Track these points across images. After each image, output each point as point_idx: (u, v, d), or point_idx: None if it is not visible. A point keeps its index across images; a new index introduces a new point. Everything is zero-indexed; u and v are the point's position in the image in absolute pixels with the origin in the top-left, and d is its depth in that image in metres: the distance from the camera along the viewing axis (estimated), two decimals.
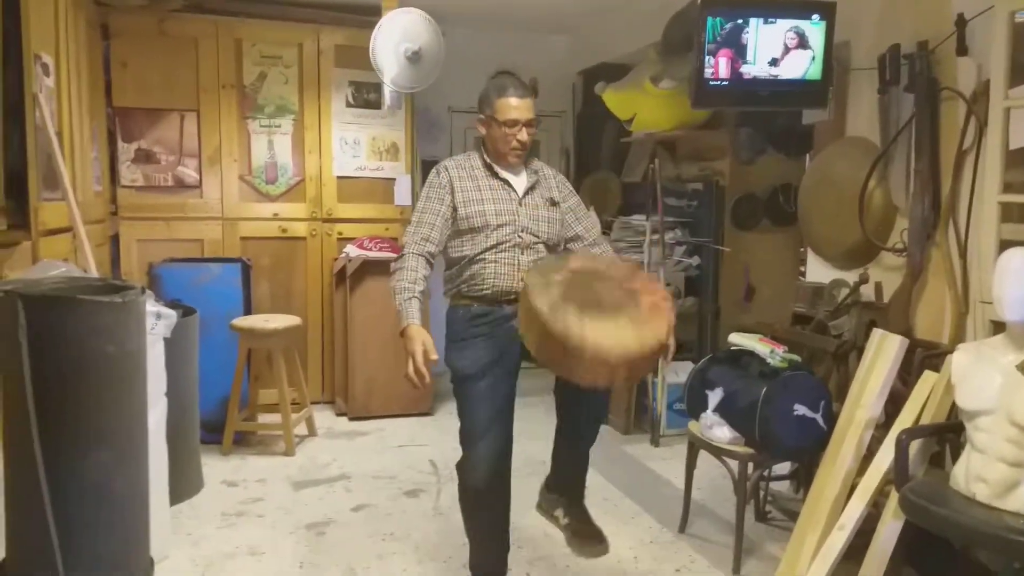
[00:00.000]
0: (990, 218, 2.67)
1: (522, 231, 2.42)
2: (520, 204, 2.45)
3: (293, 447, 4.08)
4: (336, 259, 4.86)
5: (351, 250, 4.83)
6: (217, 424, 4.09)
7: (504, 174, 2.46)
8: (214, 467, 3.81)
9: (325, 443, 4.28)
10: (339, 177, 4.90)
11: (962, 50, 2.85)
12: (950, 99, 2.93)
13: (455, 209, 2.40)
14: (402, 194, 5.06)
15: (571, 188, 2.65)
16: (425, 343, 2.19)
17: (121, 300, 1.48)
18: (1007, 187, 2.64)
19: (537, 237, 2.45)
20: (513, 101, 2.37)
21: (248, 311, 4.47)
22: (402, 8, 4.35)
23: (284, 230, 4.82)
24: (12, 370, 1.32)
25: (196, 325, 3.58)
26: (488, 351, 2.41)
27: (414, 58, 4.28)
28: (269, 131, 4.73)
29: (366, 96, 4.89)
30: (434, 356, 2.19)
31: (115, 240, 4.47)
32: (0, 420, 1.43)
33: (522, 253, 2.42)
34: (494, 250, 2.40)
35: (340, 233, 4.93)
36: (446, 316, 2.53)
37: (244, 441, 4.22)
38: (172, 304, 3.47)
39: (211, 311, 4.00)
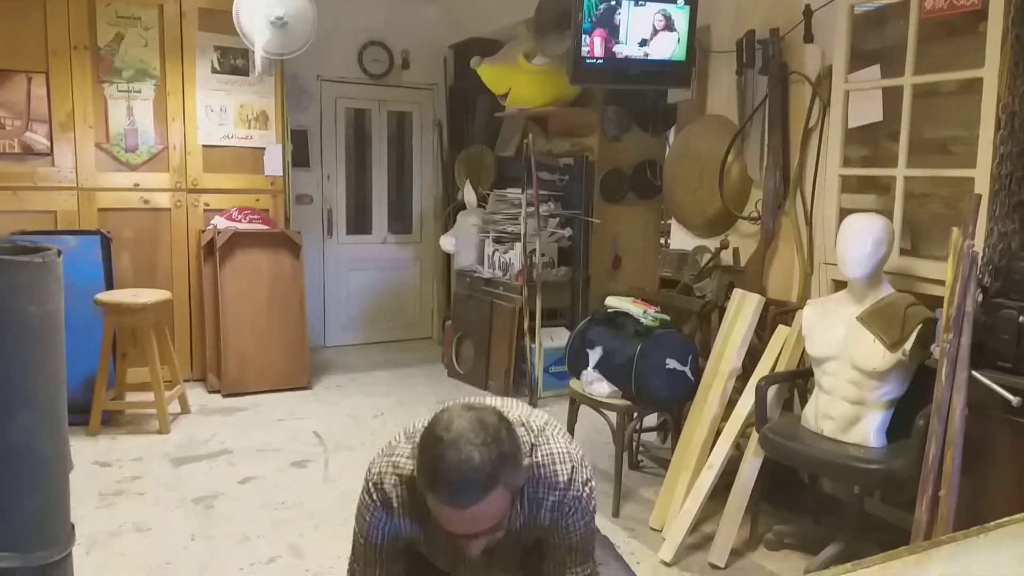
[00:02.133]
0: (832, 189, 3.00)
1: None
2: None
3: (168, 425, 3.95)
4: (203, 231, 4.70)
5: (219, 222, 4.69)
6: (82, 405, 3.87)
7: None
8: (82, 448, 3.63)
9: (201, 419, 4.16)
10: (205, 146, 4.73)
11: (809, 38, 3.17)
12: (798, 82, 3.25)
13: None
14: (272, 164, 4.94)
15: (580, 520, 1.57)
16: None
17: (41, 260, 1.44)
18: (847, 161, 2.98)
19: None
20: (454, 515, 1.37)
21: (110, 286, 4.25)
22: None
23: (146, 201, 4.60)
24: None
25: (59, 265, 3.37)
26: None
27: (281, 24, 4.19)
28: (128, 96, 4.48)
29: (233, 62, 4.72)
30: None
31: None
32: None
33: None
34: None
35: (207, 204, 4.76)
36: None
37: (112, 421, 4.04)
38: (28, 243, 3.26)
39: (69, 287, 3.75)
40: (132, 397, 4.16)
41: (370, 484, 1.54)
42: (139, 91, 4.51)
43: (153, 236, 4.64)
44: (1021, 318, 2.18)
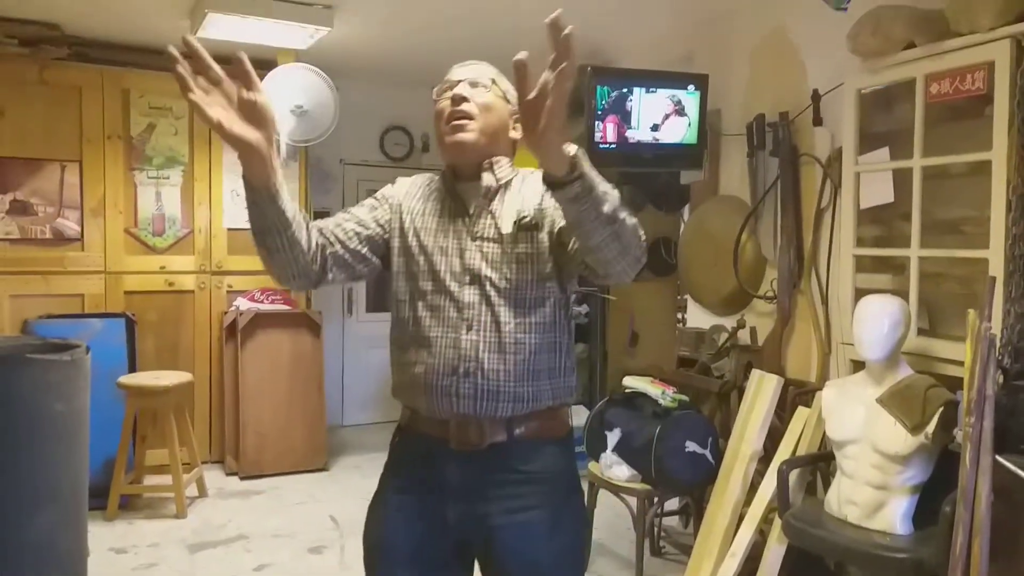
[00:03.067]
0: (846, 269, 3.01)
1: (471, 281, 1.49)
2: (469, 233, 1.52)
3: (185, 509, 3.93)
4: (226, 312, 4.77)
5: (242, 303, 4.76)
6: (100, 488, 3.87)
7: (461, 188, 1.57)
8: (99, 534, 3.61)
9: (218, 503, 4.14)
10: (230, 229, 4.84)
11: (818, 121, 3.23)
12: (809, 163, 3.30)
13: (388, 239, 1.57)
14: None
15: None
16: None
17: (70, 358, 1.48)
18: (860, 241, 3.00)
19: (499, 291, 1.48)
20: (456, 71, 1.57)
21: (133, 368, 4.31)
22: (294, 63, 4.41)
23: (171, 283, 4.70)
24: None
25: (87, 362, 3.43)
26: (408, 523, 1.52)
27: (302, 113, 4.35)
28: (157, 183, 4.63)
29: None
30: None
31: None
32: None
33: (465, 326, 1.47)
34: (425, 321, 1.51)
35: (230, 286, 4.85)
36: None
37: (130, 505, 4.03)
38: (58, 341, 3.32)
39: (93, 369, 3.81)
40: (150, 479, 4.16)
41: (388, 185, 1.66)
42: (168, 177, 4.66)
43: (177, 318, 4.72)
44: None
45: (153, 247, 4.64)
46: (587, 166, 1.25)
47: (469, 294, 1.47)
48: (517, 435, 1.48)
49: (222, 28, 3.78)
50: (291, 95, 4.31)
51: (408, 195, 1.59)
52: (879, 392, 2.51)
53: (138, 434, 4.10)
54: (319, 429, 4.78)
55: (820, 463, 2.90)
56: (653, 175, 4.75)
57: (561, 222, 1.44)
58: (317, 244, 1.45)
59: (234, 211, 4.84)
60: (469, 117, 1.51)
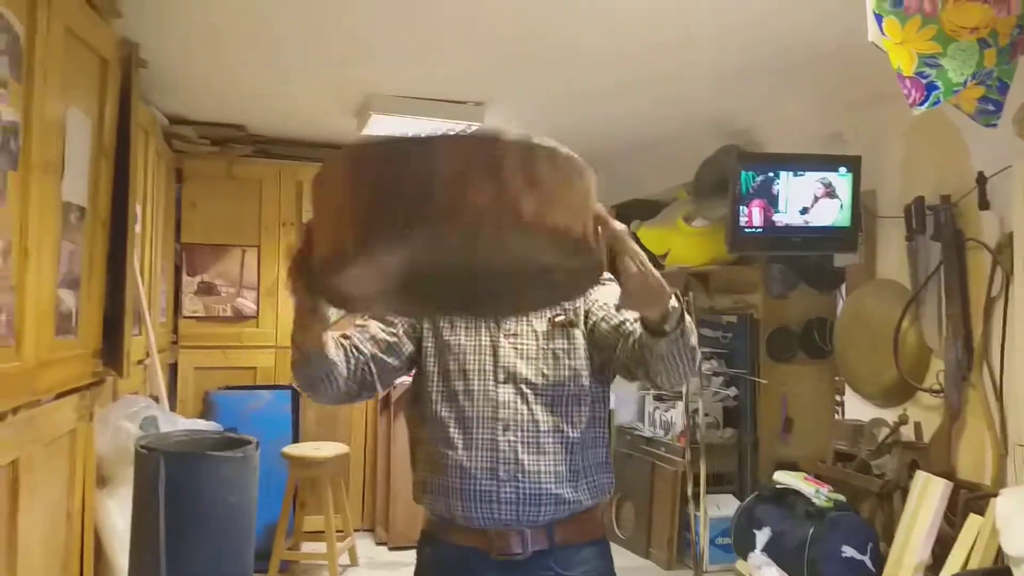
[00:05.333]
0: (1021, 365, 2.77)
1: (505, 380, 1.45)
2: (502, 330, 1.48)
3: None
4: None
5: None
6: (262, 553, 4.12)
7: None
8: None
9: (367, 573, 4.30)
10: None
11: (984, 204, 3.04)
12: (975, 249, 3.10)
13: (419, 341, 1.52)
14: None
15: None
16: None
17: (242, 455, 1.64)
18: None
19: (535, 388, 1.45)
20: None
21: (296, 437, 4.61)
22: None
23: None
24: (148, 520, 1.46)
25: (256, 457, 3.72)
26: None
27: None
28: None
29: None
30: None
31: (172, 368, 4.68)
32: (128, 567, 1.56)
33: (502, 426, 1.43)
34: (459, 423, 1.46)
35: None
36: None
37: (288, 570, 4.26)
38: (229, 431, 3.63)
39: (260, 437, 4.11)
40: (307, 545, 4.39)
41: None
42: None
43: None
44: None
45: None
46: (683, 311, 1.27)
47: (504, 393, 1.44)
48: (558, 541, 1.44)
49: (386, 126, 4.10)
50: None
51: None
52: None
53: (298, 502, 4.36)
54: None
55: None
56: (803, 257, 4.62)
57: (599, 319, 1.46)
58: (358, 367, 1.46)
59: None
60: None
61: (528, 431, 1.43)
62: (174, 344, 4.68)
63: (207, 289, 4.80)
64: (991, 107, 2.14)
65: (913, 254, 3.39)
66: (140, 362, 3.37)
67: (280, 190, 4.91)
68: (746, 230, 3.47)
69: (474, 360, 1.46)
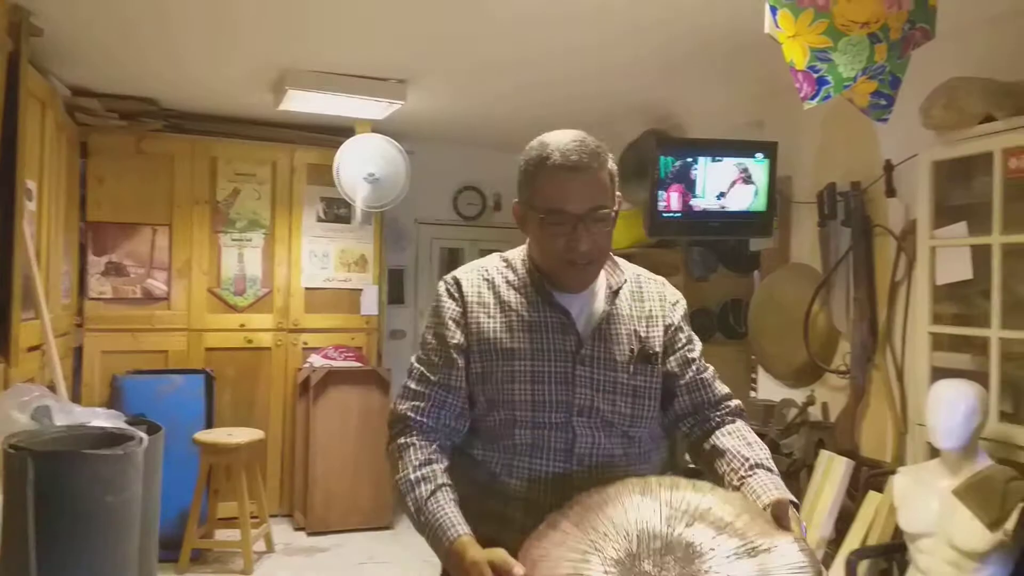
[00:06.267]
0: (922, 347, 2.87)
1: (579, 412, 1.35)
2: (577, 356, 1.37)
3: (252, 565, 4.02)
4: (300, 369, 4.91)
5: (316, 360, 4.89)
6: (172, 541, 4.01)
7: (562, 300, 1.39)
8: None
9: (284, 560, 4.21)
10: (307, 288, 5.02)
11: (890, 192, 3.14)
12: (882, 235, 3.19)
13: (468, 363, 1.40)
14: (368, 303, 5.18)
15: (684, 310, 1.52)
16: (497, 561, 1.17)
17: (122, 452, 1.56)
18: (937, 318, 2.86)
19: (611, 425, 1.36)
20: (565, 180, 1.31)
21: (210, 423, 4.47)
22: (367, 134, 4.58)
23: (249, 340, 4.88)
24: (16, 524, 1.36)
25: (161, 444, 3.57)
26: None
27: (374, 180, 4.50)
28: (240, 245, 4.86)
29: (337, 211, 5.06)
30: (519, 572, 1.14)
31: (78, 352, 4.47)
32: None
33: (576, 460, 1.35)
34: (524, 452, 1.36)
35: (305, 343, 5.00)
36: None
37: (201, 558, 4.14)
38: (136, 420, 3.48)
39: (173, 423, 3.97)
40: (221, 533, 4.27)
41: (443, 287, 1.45)
42: (250, 239, 4.88)
43: (254, 374, 4.88)
44: None
45: (234, 306, 4.84)
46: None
47: (579, 426, 1.33)
48: None
49: (302, 102, 3.97)
50: (364, 164, 4.47)
51: (476, 305, 1.39)
52: (955, 483, 2.37)
53: (211, 488, 4.23)
54: (385, 487, 4.82)
55: (894, 553, 2.74)
56: (721, 240, 4.70)
57: (678, 361, 1.46)
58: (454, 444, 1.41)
59: (311, 271, 5.02)
60: (593, 259, 1.36)
61: (602, 469, 1.35)
62: (79, 327, 4.46)
63: (115, 269, 4.59)
64: (883, 102, 2.19)
65: (824, 239, 3.48)
66: (37, 347, 3.19)
67: (193, 166, 4.72)
68: (664, 214, 3.49)
69: (545, 390, 1.35)
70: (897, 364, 3.12)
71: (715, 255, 4.82)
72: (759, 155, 3.54)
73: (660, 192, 3.45)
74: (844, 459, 2.93)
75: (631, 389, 1.38)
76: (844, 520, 2.92)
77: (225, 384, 4.77)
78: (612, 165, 1.38)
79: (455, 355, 1.39)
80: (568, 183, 1.32)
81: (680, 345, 1.47)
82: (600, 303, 1.42)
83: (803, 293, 3.48)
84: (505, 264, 1.46)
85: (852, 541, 2.76)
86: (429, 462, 1.31)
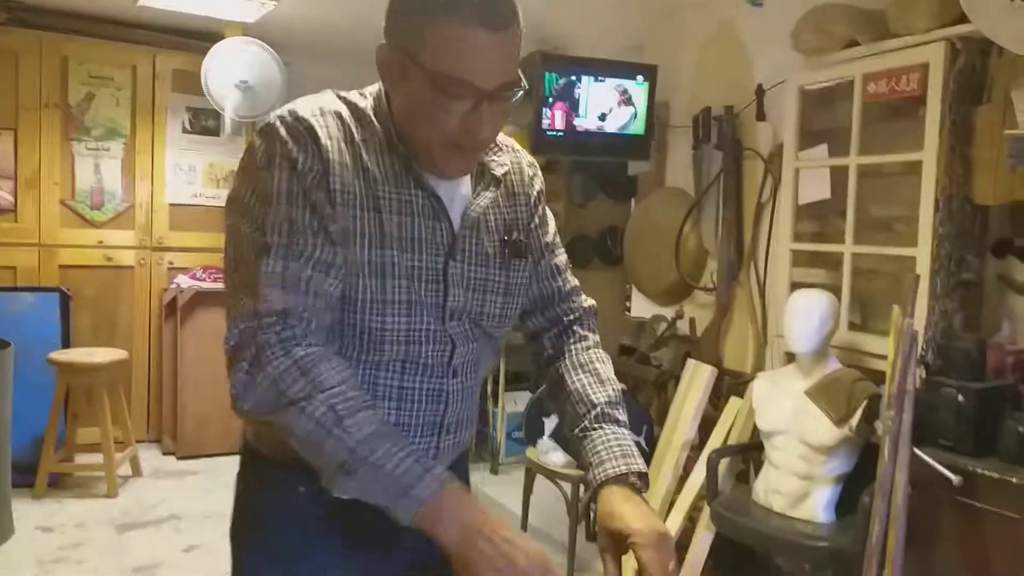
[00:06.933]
0: (783, 263, 3.06)
1: (452, 316, 1.11)
2: (451, 250, 1.11)
3: (116, 488, 3.85)
4: (166, 290, 4.67)
5: (183, 280, 4.66)
6: (29, 465, 3.78)
7: (437, 185, 1.11)
8: (26, 512, 3.52)
9: (151, 483, 4.07)
10: (172, 204, 4.73)
11: (761, 116, 3.27)
12: (751, 158, 3.34)
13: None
14: None
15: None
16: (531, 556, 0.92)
17: None
18: (797, 236, 3.04)
19: (480, 328, 1.16)
20: (483, 40, 0.98)
21: (67, 344, 4.19)
22: (240, 38, 4.32)
23: (109, 259, 4.57)
24: None
25: (10, 360, 3.33)
26: None
27: (246, 88, 4.26)
28: (96, 155, 4.50)
29: (204, 122, 4.77)
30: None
31: None
32: None
33: (452, 371, 1.13)
34: (395, 368, 1.10)
35: (171, 263, 4.74)
36: (243, 487, 1.22)
37: (60, 484, 3.93)
38: None
39: (24, 344, 3.71)
40: (82, 458, 4.06)
41: (284, 130, 1.03)
42: (108, 149, 4.53)
43: (115, 294, 4.60)
44: (960, 397, 2.21)
45: (91, 221, 4.51)
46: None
47: (456, 334, 1.11)
48: None
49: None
50: (236, 70, 4.22)
51: (338, 166, 1.03)
52: (808, 385, 2.56)
53: (70, 412, 4.00)
54: None
55: (751, 453, 2.95)
56: (602, 164, 4.79)
57: (547, 257, 1.25)
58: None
59: (177, 186, 4.73)
60: (484, 145, 1.11)
61: (471, 376, 1.18)
62: None
63: None
64: None
65: (698, 162, 3.61)
66: None
67: (41, 65, 4.30)
68: (548, 133, 3.50)
69: (418, 287, 1.07)
70: (760, 281, 3.31)
71: (595, 182, 4.92)
72: (639, 77, 3.60)
73: (544, 110, 3.45)
74: (708, 366, 3.11)
75: (503, 287, 1.16)
76: (707, 428, 3.12)
77: (83, 304, 4.47)
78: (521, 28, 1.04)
79: (326, 228, 1.01)
80: (482, 48, 0.98)
81: (534, 226, 1.22)
82: (467, 184, 1.14)
83: (676, 215, 3.60)
84: (352, 115, 1.09)
85: (714, 442, 2.95)
86: (353, 390, 0.97)
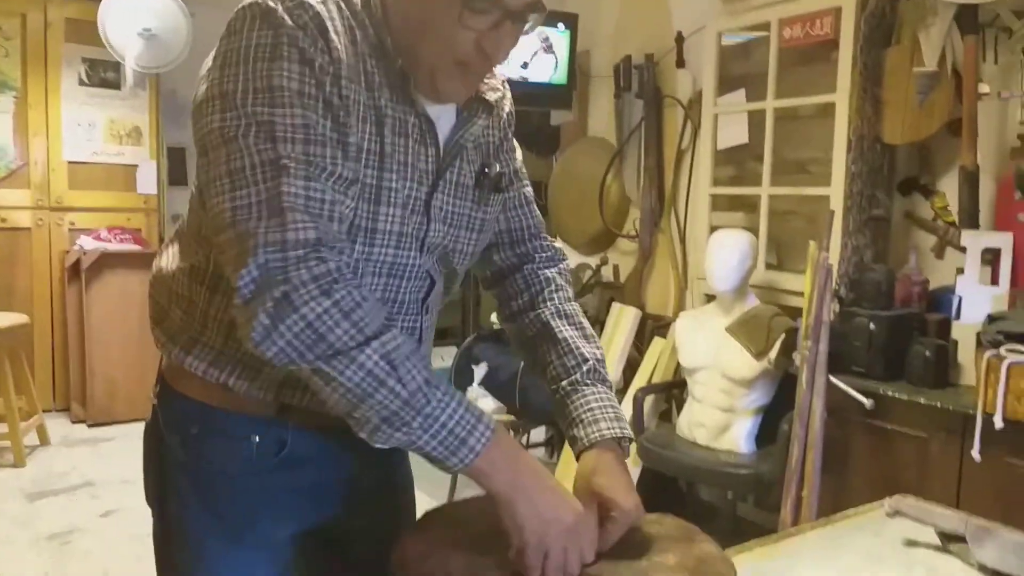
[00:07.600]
0: (703, 207, 3.13)
1: (429, 250, 1.03)
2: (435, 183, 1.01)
3: (23, 458, 3.66)
4: (68, 252, 4.42)
5: (86, 242, 4.42)
6: None
7: (427, 107, 0.98)
8: None
9: (61, 451, 3.88)
10: (71, 162, 4.47)
11: (680, 63, 3.31)
12: (671, 105, 3.39)
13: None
14: (146, 182, 4.72)
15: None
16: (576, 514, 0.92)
17: None
18: (716, 181, 3.12)
19: (449, 264, 1.08)
20: None
21: None
22: None
23: (3, 220, 4.30)
24: None
25: None
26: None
27: (150, 36, 4.04)
28: None
29: (103, 75, 4.50)
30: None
31: None
32: None
33: (426, 307, 1.07)
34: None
35: (72, 223, 4.49)
36: (159, 420, 1.07)
37: None
38: None
39: None
40: None
41: (288, 18, 0.85)
42: None
43: (11, 257, 4.33)
44: (872, 326, 2.32)
45: None
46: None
47: (431, 264, 1.03)
48: None
49: None
50: (139, 16, 3.98)
51: (348, 68, 0.89)
52: (728, 322, 2.64)
53: None
54: None
55: (674, 390, 3.03)
56: (524, 116, 4.75)
57: (516, 191, 1.14)
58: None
59: (75, 142, 4.46)
60: (490, 69, 1.00)
61: (436, 312, 1.12)
62: None
63: None
64: None
65: (619, 111, 3.64)
66: None
67: None
68: None
69: (403, 215, 0.97)
70: (680, 227, 3.38)
71: (518, 136, 4.90)
72: (561, 26, 3.59)
73: None
74: (632, 309, 3.17)
75: (479, 223, 1.08)
76: (631, 370, 3.18)
77: None
78: None
79: (345, 141, 0.89)
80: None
81: (507, 148, 1.13)
82: (452, 108, 1.02)
83: (599, 165, 3.64)
84: (349, 10, 0.92)
85: (639, 381, 3.02)
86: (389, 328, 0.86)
